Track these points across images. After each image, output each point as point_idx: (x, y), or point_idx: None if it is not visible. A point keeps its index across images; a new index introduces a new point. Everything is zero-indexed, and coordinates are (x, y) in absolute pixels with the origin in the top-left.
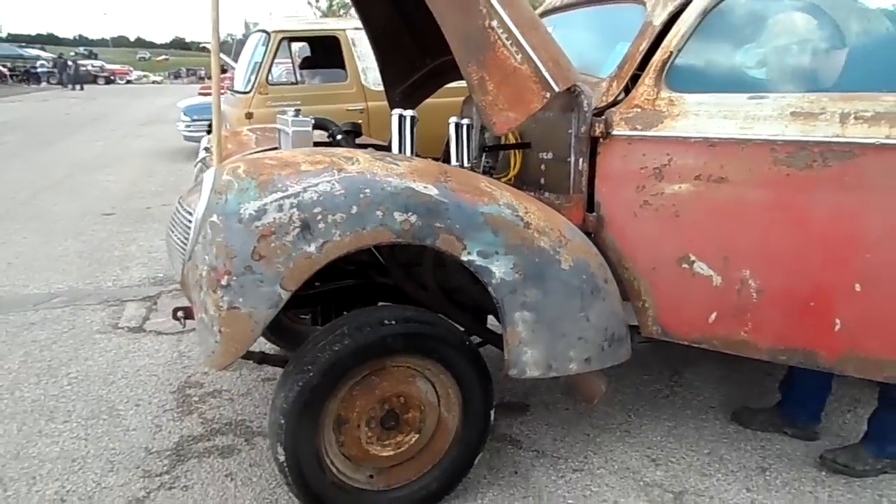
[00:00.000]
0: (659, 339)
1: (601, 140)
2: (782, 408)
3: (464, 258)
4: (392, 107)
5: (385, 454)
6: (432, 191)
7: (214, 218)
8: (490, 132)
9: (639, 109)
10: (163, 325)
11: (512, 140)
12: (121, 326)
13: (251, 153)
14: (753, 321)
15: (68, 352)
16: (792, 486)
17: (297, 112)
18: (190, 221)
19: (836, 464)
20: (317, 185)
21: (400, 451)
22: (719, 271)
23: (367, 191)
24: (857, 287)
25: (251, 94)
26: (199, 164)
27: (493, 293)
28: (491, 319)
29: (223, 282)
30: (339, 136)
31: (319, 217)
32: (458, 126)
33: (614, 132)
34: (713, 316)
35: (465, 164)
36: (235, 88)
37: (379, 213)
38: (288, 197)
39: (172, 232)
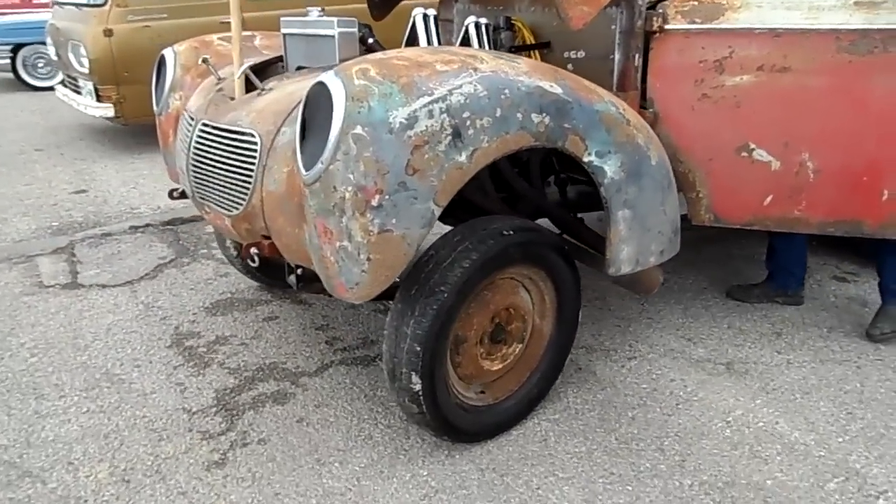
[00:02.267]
0: (710, 226)
1: (655, 35)
2: (773, 280)
3: (585, 159)
4: (372, 14)
5: (495, 368)
6: (557, 89)
7: (359, 129)
8: (567, 26)
9: (695, 3)
10: (100, 277)
11: (529, 40)
12: (49, 285)
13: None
14: (808, 199)
15: (4, 320)
16: (808, 343)
17: (323, 11)
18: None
19: (884, 335)
20: (460, 86)
21: (506, 363)
22: (779, 156)
23: (507, 91)
24: None
25: (107, 6)
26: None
27: (604, 193)
28: None
29: (374, 202)
30: (370, 40)
31: (469, 122)
32: (477, 26)
33: (669, 26)
34: (769, 199)
35: None
36: (78, 0)
37: (519, 115)
38: (436, 101)
39: (199, 155)
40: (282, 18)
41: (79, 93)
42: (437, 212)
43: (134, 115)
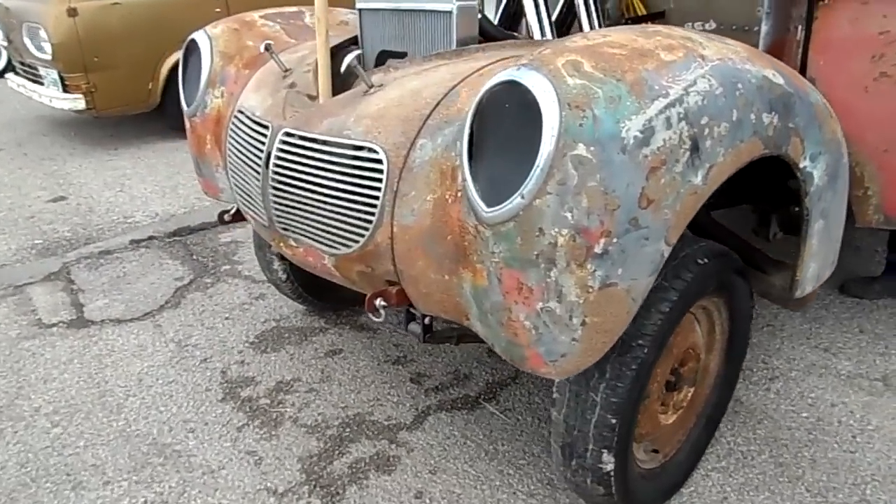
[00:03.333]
0: (876, 228)
1: (821, 2)
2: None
3: (801, 164)
4: None
5: (671, 421)
6: (780, 80)
7: (581, 149)
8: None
9: None
10: (111, 309)
11: (641, 10)
12: (51, 324)
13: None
14: None
15: (6, 375)
16: None
17: None
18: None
19: None
20: (694, 82)
21: (678, 412)
22: None
23: (740, 86)
24: None
25: None
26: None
27: (807, 204)
28: None
29: (598, 248)
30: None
31: (707, 131)
32: None
33: None
34: None
35: None
36: None
37: (753, 116)
38: (673, 105)
39: (284, 174)
40: None
41: (39, 83)
42: (667, 254)
43: (108, 105)
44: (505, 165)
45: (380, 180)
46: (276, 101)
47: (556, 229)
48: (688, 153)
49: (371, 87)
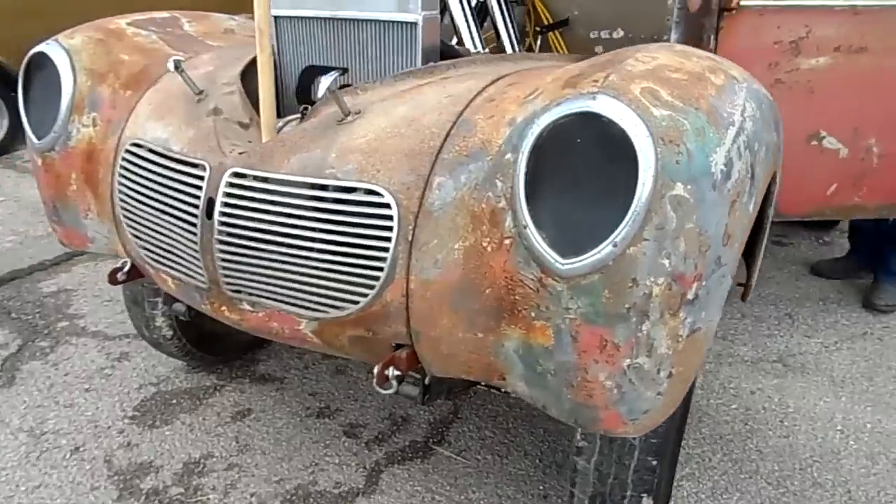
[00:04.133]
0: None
1: (726, 13)
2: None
3: None
4: None
5: None
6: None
7: (679, 189)
8: (685, 8)
9: None
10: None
11: (545, 19)
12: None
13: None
14: (868, 185)
15: None
16: (820, 321)
17: None
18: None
19: (888, 306)
20: (744, 106)
21: None
22: (847, 143)
23: (764, 105)
24: None
25: None
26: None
27: None
28: None
29: (690, 294)
30: None
31: (757, 157)
32: (500, 1)
33: (745, 2)
34: (833, 188)
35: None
36: None
37: (775, 135)
38: (739, 133)
39: (235, 224)
40: None
41: None
42: (730, 286)
43: None
44: (583, 210)
45: (389, 228)
46: (201, 132)
47: (652, 278)
48: (749, 183)
49: (348, 114)
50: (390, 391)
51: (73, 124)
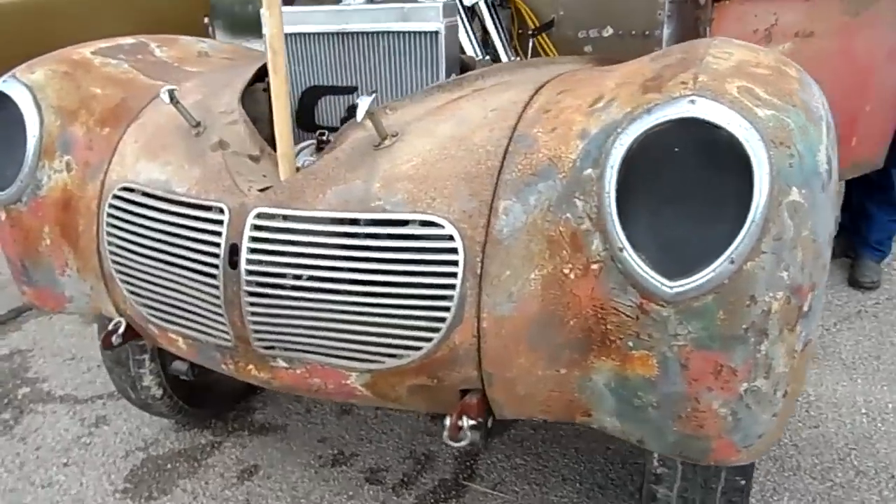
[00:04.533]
0: None
1: (717, 3)
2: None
3: None
4: None
5: None
6: None
7: (795, 194)
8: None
9: None
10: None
11: (531, 22)
12: None
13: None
14: None
15: None
16: None
17: None
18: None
19: (874, 282)
20: (820, 98)
21: None
22: None
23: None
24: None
25: None
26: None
27: None
28: None
29: (805, 306)
30: None
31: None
32: (489, 5)
33: None
34: None
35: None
36: None
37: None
38: (829, 127)
39: (266, 272)
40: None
41: None
42: None
43: None
44: (689, 226)
45: (454, 263)
46: (210, 169)
47: (771, 294)
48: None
49: (385, 137)
50: (463, 443)
51: (43, 171)
